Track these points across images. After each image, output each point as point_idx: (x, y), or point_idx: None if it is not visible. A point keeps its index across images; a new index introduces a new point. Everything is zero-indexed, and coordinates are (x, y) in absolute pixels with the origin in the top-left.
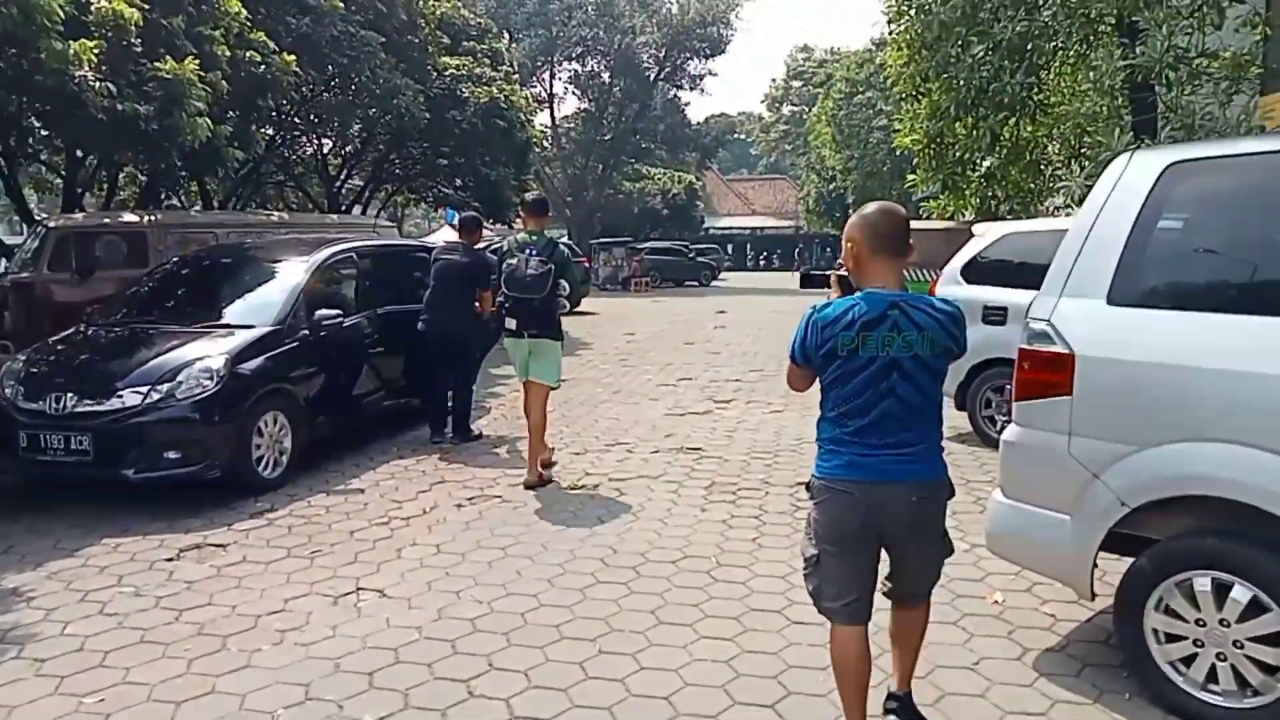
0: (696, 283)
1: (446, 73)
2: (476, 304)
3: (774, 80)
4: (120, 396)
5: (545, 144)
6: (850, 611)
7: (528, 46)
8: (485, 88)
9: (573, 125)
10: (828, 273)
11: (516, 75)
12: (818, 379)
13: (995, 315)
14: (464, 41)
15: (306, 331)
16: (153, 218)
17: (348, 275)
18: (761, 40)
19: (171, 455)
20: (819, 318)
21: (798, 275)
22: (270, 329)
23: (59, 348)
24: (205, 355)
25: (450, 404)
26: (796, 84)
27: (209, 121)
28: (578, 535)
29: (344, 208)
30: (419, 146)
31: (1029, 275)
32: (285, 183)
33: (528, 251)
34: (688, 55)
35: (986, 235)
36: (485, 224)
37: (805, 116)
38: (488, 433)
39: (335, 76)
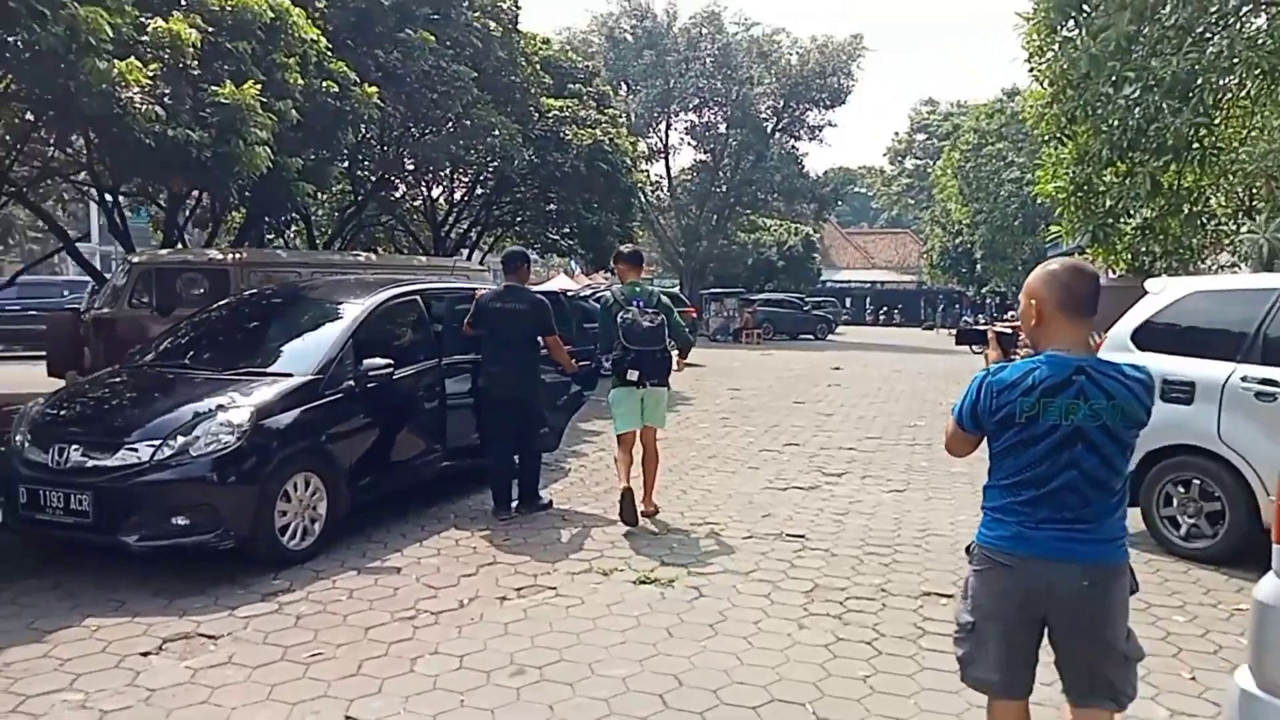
0: (811, 336)
1: (549, 114)
2: (545, 353)
3: (896, 134)
4: (131, 450)
5: (660, 194)
6: (1006, 686)
7: (645, 98)
8: (589, 130)
9: (688, 176)
10: (985, 329)
11: (623, 118)
12: (986, 445)
13: (1179, 392)
14: (569, 84)
15: (352, 383)
16: (237, 255)
17: (409, 321)
18: (883, 91)
19: (180, 521)
20: (994, 381)
21: (953, 331)
22: (309, 379)
23: (81, 391)
24: (229, 406)
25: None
26: (920, 137)
27: (269, 151)
28: (637, 655)
29: (450, 253)
30: (523, 190)
31: (1221, 343)
32: (394, 226)
33: (637, 304)
34: (807, 106)
35: (1164, 293)
36: (601, 271)
37: (929, 170)
38: (561, 501)
39: (425, 113)
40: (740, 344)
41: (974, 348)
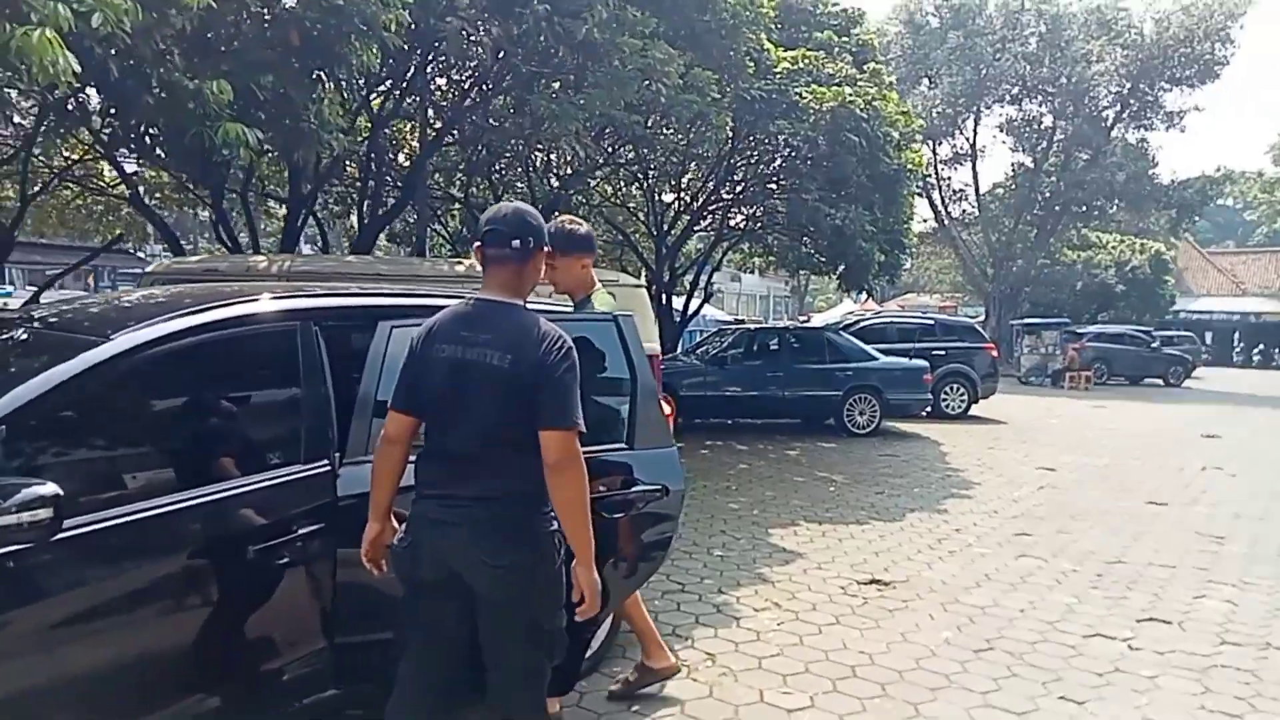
0: (1161, 381)
1: (777, 69)
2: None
3: None
4: None
5: (966, 204)
6: None
7: (948, 90)
8: (833, 90)
9: (1002, 184)
10: None
11: (892, 76)
12: None
13: None
14: (815, 33)
15: None
16: (284, 264)
17: (253, 380)
18: (1263, 72)
19: None
20: None
21: None
22: None
23: None
24: None
25: None
26: None
27: (62, 47)
28: None
29: (677, 272)
30: (745, 179)
31: None
32: (621, 241)
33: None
34: (1164, 86)
35: None
36: (861, 296)
37: None
38: None
39: (519, 41)
40: (1061, 389)
41: None
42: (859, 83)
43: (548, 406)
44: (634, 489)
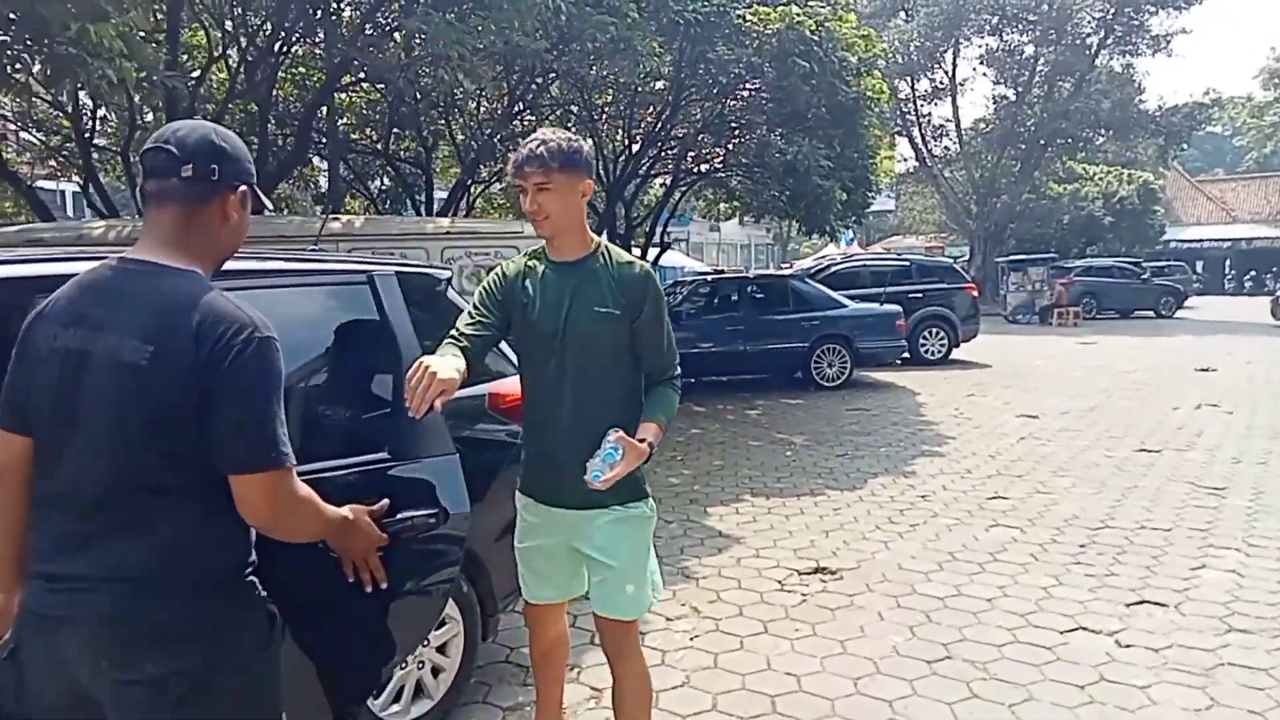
0: (1152, 313)
1: None
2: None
3: (1274, 49)
4: None
5: (947, 141)
6: None
7: (925, 23)
8: (780, 9)
9: (985, 119)
10: None
11: (860, 6)
12: None
13: None
14: None
15: None
16: (122, 229)
17: None
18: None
19: None
20: None
21: None
22: None
23: None
24: None
25: None
26: None
27: None
28: None
29: (639, 223)
30: (707, 116)
31: None
32: None
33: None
34: (1149, 8)
35: None
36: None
37: None
38: None
39: None
40: (1049, 326)
41: None
42: (810, 2)
43: (230, 434)
44: (398, 517)
